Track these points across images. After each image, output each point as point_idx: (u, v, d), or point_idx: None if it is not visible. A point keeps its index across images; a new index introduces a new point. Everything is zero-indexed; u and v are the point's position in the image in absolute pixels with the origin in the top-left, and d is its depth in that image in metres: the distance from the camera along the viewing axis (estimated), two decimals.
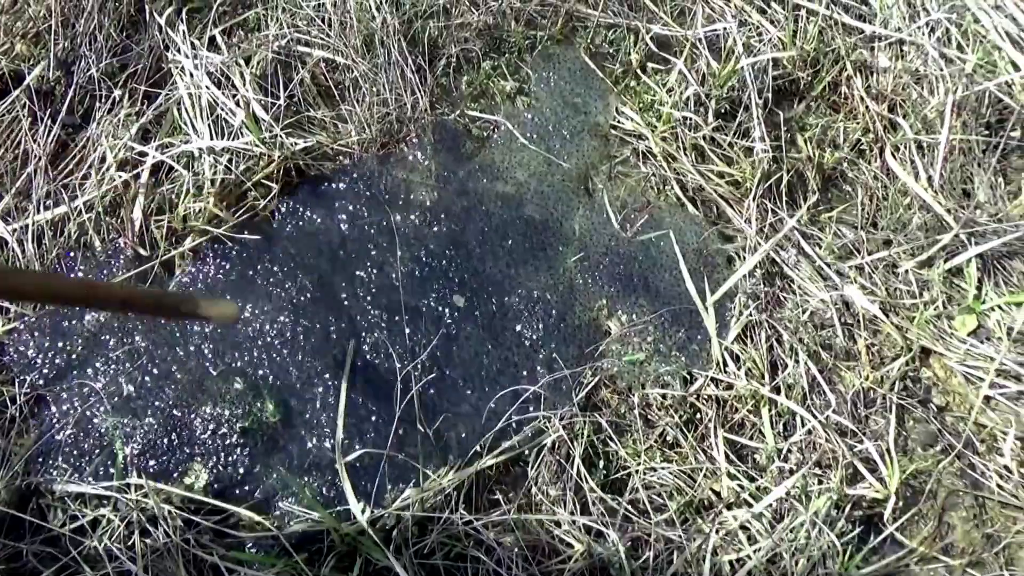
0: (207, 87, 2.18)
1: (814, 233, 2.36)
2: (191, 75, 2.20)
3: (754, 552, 1.80)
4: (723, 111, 2.47)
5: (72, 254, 2.04)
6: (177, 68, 2.23)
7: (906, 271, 2.30)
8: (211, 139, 2.13)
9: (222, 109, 2.17)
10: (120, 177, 2.08)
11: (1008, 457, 2.02)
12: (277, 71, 2.27)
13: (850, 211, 2.44)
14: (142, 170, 2.11)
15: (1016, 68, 2.55)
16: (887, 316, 2.21)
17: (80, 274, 2.02)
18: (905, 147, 2.47)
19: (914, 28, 2.62)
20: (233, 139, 2.14)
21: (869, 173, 2.49)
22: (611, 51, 2.57)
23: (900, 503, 1.95)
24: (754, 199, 2.33)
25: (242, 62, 2.26)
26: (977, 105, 2.51)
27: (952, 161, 2.44)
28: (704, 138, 2.40)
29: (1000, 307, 2.25)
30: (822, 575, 1.80)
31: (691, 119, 2.39)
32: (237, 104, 2.18)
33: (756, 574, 1.79)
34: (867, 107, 2.56)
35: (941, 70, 2.53)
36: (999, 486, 2.01)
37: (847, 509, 1.90)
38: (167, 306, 1.46)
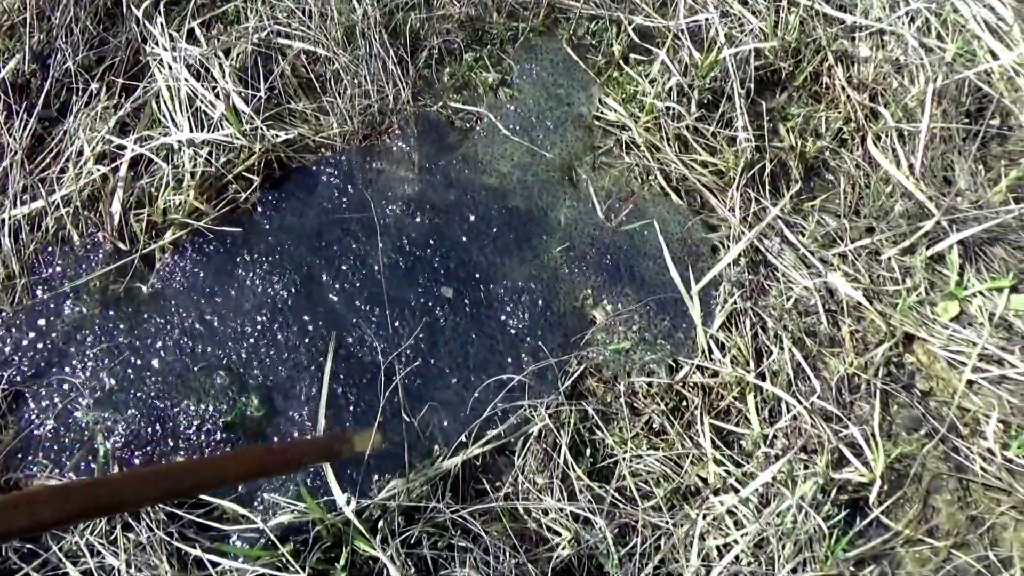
0: (186, 79, 2.16)
1: (797, 222, 2.37)
2: (170, 67, 2.18)
3: (741, 537, 1.80)
4: (706, 101, 2.47)
5: (50, 249, 2.01)
6: (155, 61, 2.21)
7: (889, 258, 2.32)
8: (191, 131, 2.11)
9: (201, 101, 2.15)
10: (98, 171, 2.06)
11: (991, 440, 2.04)
12: (257, 63, 2.25)
13: (833, 199, 2.45)
14: (120, 163, 2.08)
15: (995, 57, 2.58)
16: (870, 303, 2.22)
17: (58, 268, 1.99)
18: (887, 135, 2.48)
19: (894, 18, 2.64)
20: (213, 131, 2.12)
21: (851, 162, 2.50)
22: (594, 42, 2.57)
23: (885, 487, 1.96)
24: (738, 188, 2.34)
25: (221, 54, 2.24)
26: (957, 93, 2.53)
27: (933, 149, 2.46)
28: (687, 128, 2.41)
29: (982, 293, 2.26)
30: (808, 558, 1.80)
31: (674, 109, 2.40)
32: (217, 96, 2.16)
33: (743, 558, 1.80)
34: (848, 96, 2.57)
35: (921, 59, 2.54)
36: (983, 469, 2.02)
37: (833, 493, 1.90)
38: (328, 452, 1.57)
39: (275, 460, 1.44)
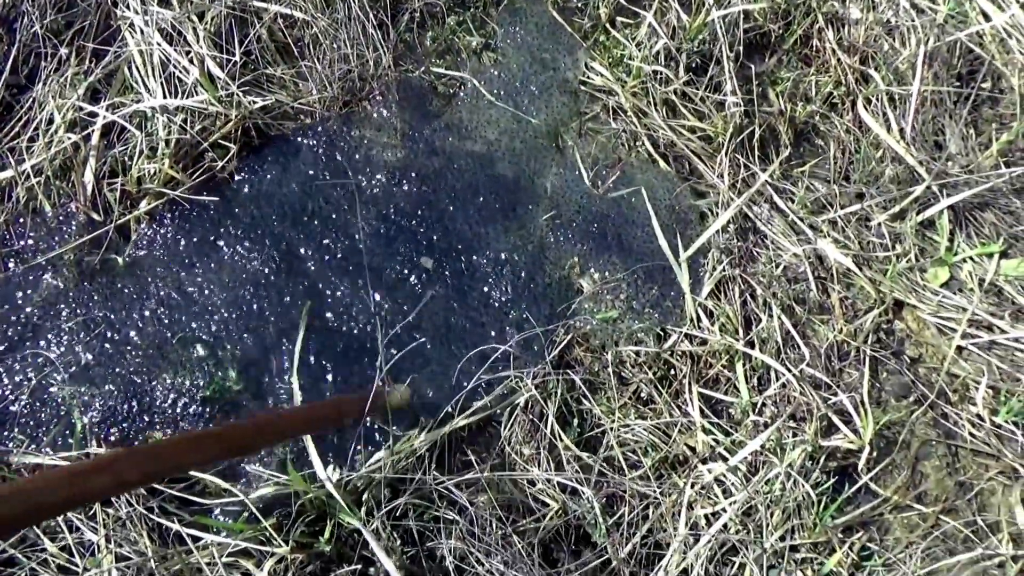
0: (159, 44, 2.08)
1: (786, 188, 2.34)
2: (141, 32, 2.10)
3: (729, 505, 1.79)
4: (694, 65, 2.42)
5: (21, 220, 1.95)
6: (126, 24, 2.13)
7: (879, 224, 2.29)
8: (164, 98, 2.05)
9: (175, 67, 2.08)
10: (69, 139, 1.99)
11: (980, 406, 2.03)
12: (232, 27, 2.18)
13: (822, 165, 2.42)
14: (92, 131, 2.02)
15: (987, 18, 2.53)
16: (860, 269, 2.19)
17: (30, 240, 1.93)
18: (877, 99, 2.44)
19: None
20: (187, 98, 2.05)
21: (841, 127, 2.46)
22: (579, 5, 2.50)
23: (874, 454, 1.95)
24: (727, 154, 2.30)
25: (195, 18, 2.16)
26: (948, 56, 2.49)
27: (924, 113, 2.42)
28: (675, 93, 2.36)
29: (972, 259, 2.24)
30: (796, 526, 1.79)
31: (662, 73, 2.35)
32: (191, 61, 2.09)
33: (731, 527, 1.79)
34: (839, 60, 2.52)
35: (912, 21, 2.49)
36: (971, 434, 2.01)
37: (821, 460, 1.89)
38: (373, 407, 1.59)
39: (325, 414, 1.55)
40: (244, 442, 1.31)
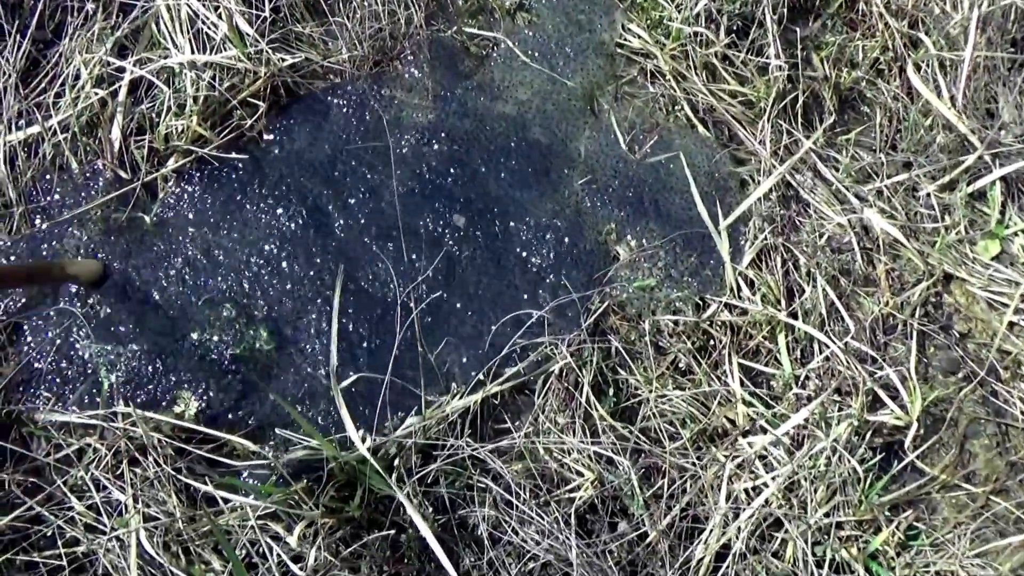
0: None
1: (831, 155, 2.25)
2: None
3: (772, 479, 1.73)
4: (735, 28, 2.33)
5: (48, 176, 1.91)
6: None
7: (927, 194, 2.20)
8: (192, 54, 1.99)
9: (203, 22, 2.02)
10: (96, 95, 1.94)
11: None
12: None
13: (868, 133, 2.33)
14: (119, 87, 1.97)
15: None
16: (907, 241, 2.11)
17: (57, 197, 1.89)
18: (927, 65, 2.34)
19: None
20: (215, 54, 2.00)
21: (888, 93, 2.36)
22: None
23: (921, 431, 1.87)
24: (768, 120, 2.21)
25: None
26: (1003, 20, 2.38)
27: (976, 80, 2.31)
28: (716, 56, 2.27)
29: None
30: (841, 503, 1.73)
31: (702, 35, 2.26)
32: (219, 16, 2.03)
33: (773, 502, 1.72)
34: (886, 24, 2.42)
35: None
36: (1023, 413, 1.93)
37: (867, 436, 1.82)
38: (38, 273, 1.55)
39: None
40: None
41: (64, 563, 1.51)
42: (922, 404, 1.86)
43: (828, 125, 2.28)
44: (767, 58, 2.28)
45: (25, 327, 1.74)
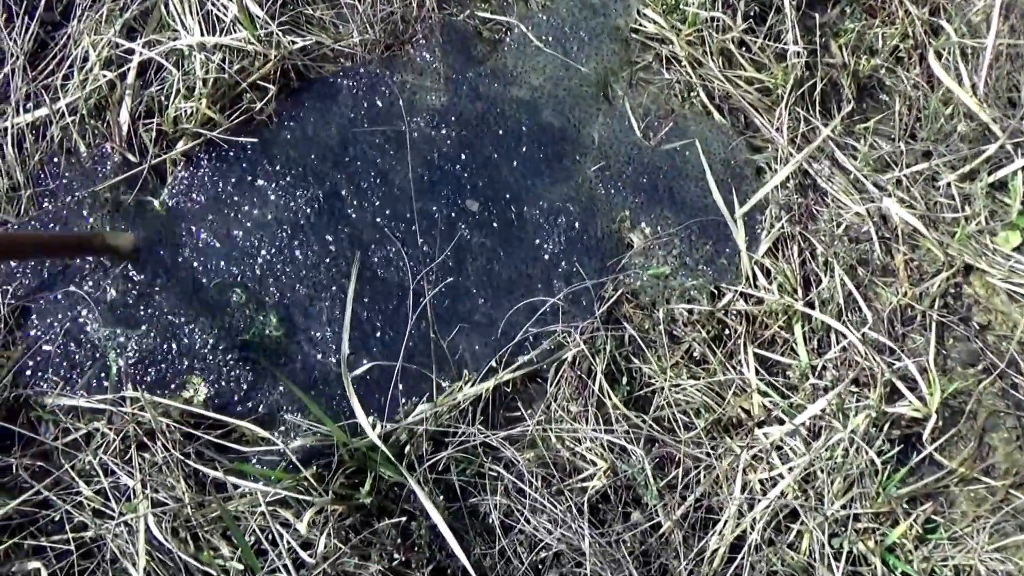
0: None
1: (849, 143, 2.21)
2: None
3: (788, 471, 1.70)
4: (752, 13, 2.29)
5: (56, 159, 1.89)
6: None
7: (947, 184, 2.16)
8: (202, 35, 1.96)
9: (213, 3, 2.00)
10: (105, 77, 1.92)
11: None
12: None
13: (887, 121, 2.28)
14: (128, 69, 1.95)
15: None
16: (927, 230, 2.07)
17: (65, 180, 1.87)
18: (948, 53, 2.29)
19: None
20: (225, 35, 1.97)
21: (908, 81, 2.32)
22: None
23: (939, 423, 1.84)
24: (786, 107, 2.17)
25: None
26: None
27: (998, 68, 2.27)
28: (733, 41, 2.23)
29: None
30: (858, 495, 1.70)
31: (719, 20, 2.22)
32: None
33: (788, 493, 1.70)
34: (907, 11, 2.37)
35: None
36: None
37: (885, 428, 1.79)
38: (80, 244, 1.53)
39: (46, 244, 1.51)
40: None
41: (72, 548, 1.50)
42: (941, 396, 1.83)
43: (846, 113, 2.24)
44: (785, 44, 2.24)
45: (33, 310, 1.72)
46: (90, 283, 1.76)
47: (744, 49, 2.25)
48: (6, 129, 1.88)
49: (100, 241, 1.52)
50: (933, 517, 1.77)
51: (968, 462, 1.84)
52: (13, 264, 1.75)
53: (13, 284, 1.74)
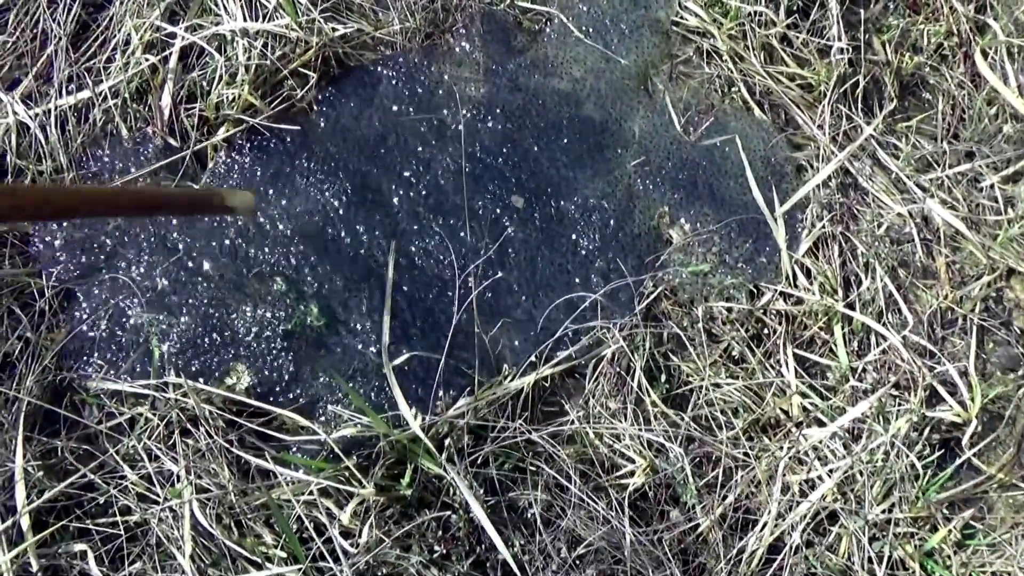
0: None
1: (891, 142, 2.18)
2: None
3: (828, 473, 1.69)
4: (796, 8, 2.26)
5: (98, 143, 1.89)
6: None
7: (990, 186, 2.13)
8: (244, 21, 1.95)
9: None
10: (147, 60, 1.92)
11: None
12: None
13: (929, 121, 2.26)
14: (170, 53, 1.94)
15: None
16: (969, 233, 2.05)
17: (107, 163, 1.87)
18: (995, 51, 2.26)
19: None
20: (268, 21, 1.96)
21: (952, 80, 2.29)
22: None
23: (979, 428, 1.83)
24: (828, 104, 2.15)
25: None
26: None
27: None
28: (775, 37, 2.21)
29: None
30: (898, 499, 1.69)
31: (762, 15, 2.19)
32: None
33: (827, 496, 1.69)
34: (952, 8, 2.33)
35: None
36: None
37: (925, 432, 1.78)
38: (199, 202, 1.46)
39: (172, 200, 1.45)
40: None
41: (120, 531, 1.51)
42: (982, 401, 1.82)
43: (888, 111, 2.22)
44: (828, 40, 2.21)
45: (79, 293, 1.73)
46: (138, 273, 1.76)
47: (786, 44, 2.23)
48: (49, 111, 1.88)
49: (219, 200, 1.50)
50: (972, 523, 1.76)
51: (1007, 468, 1.83)
52: (59, 245, 1.76)
53: (58, 267, 1.74)
